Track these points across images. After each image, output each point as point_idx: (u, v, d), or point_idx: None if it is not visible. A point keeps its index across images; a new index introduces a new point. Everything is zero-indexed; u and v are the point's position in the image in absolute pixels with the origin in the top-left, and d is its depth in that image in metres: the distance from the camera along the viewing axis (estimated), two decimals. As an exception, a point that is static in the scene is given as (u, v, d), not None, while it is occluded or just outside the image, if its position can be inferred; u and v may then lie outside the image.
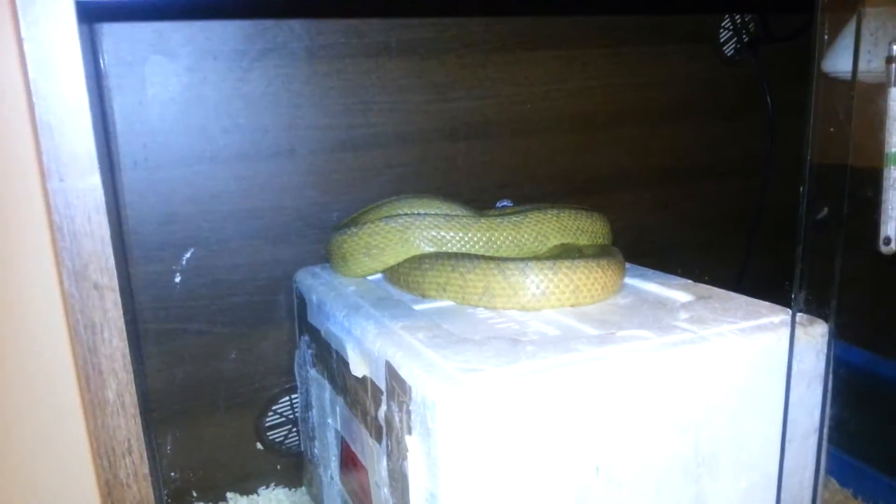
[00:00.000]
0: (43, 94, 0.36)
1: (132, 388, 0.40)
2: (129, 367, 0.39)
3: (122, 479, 0.40)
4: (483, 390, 0.53)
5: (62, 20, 0.36)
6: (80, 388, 0.38)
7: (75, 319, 0.38)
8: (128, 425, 0.40)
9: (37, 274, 0.51)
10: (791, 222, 0.60)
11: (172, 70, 0.86)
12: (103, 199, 0.38)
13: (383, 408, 0.63)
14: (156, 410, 0.89)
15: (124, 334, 0.39)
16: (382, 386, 0.62)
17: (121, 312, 0.39)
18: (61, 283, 0.37)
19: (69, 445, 0.54)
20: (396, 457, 0.60)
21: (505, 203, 1.01)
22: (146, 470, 0.41)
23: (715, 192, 1.21)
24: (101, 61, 0.82)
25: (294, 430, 1.00)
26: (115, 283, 0.38)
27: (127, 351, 0.39)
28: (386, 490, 0.63)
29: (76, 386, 0.52)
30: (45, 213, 0.48)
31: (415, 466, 0.56)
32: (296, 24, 0.90)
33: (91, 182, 0.37)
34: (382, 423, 0.63)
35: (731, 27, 1.16)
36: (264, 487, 0.99)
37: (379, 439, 0.64)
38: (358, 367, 0.68)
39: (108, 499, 0.40)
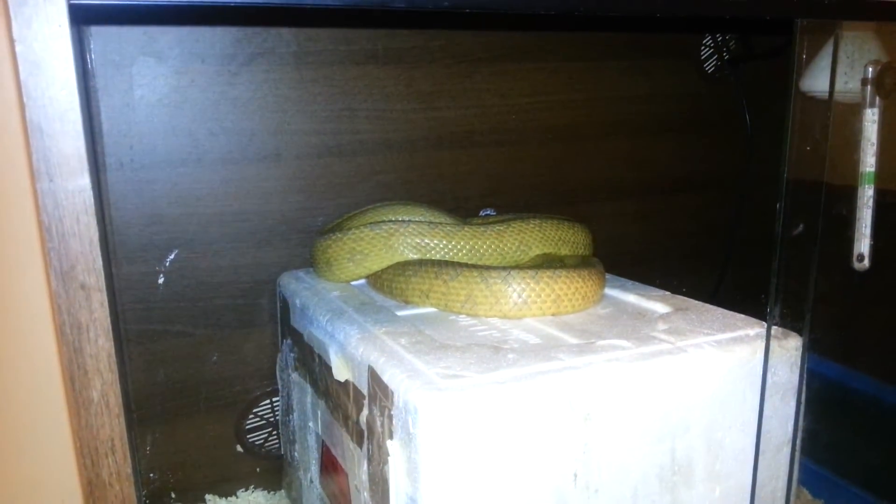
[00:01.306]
0: (34, 96, 0.37)
1: (117, 388, 0.40)
2: (115, 368, 0.39)
3: (104, 479, 0.40)
4: (464, 396, 0.54)
5: (55, 22, 0.37)
6: (66, 388, 0.38)
7: (62, 319, 0.38)
8: (111, 425, 0.40)
9: (25, 274, 0.51)
10: (767, 236, 0.62)
11: (160, 72, 0.86)
12: (92, 200, 0.38)
13: (365, 412, 0.63)
14: (136, 411, 0.89)
15: (110, 335, 0.39)
16: (365, 391, 0.63)
17: (107, 313, 0.39)
18: (49, 283, 0.37)
19: (53, 444, 0.54)
20: (377, 461, 0.60)
21: (488, 212, 1.02)
22: (129, 470, 0.41)
23: (693, 205, 1.23)
24: (89, 61, 0.82)
25: (274, 433, 1.00)
26: (102, 283, 0.39)
27: (112, 351, 0.39)
28: (366, 494, 0.64)
29: (61, 385, 0.52)
30: (34, 213, 0.48)
31: (395, 471, 0.57)
32: (284, 30, 0.90)
33: (80, 183, 0.38)
34: (364, 427, 0.63)
35: (712, 44, 1.18)
36: (243, 490, 0.99)
37: (360, 443, 0.65)
38: (340, 372, 0.68)
39: (90, 498, 0.40)
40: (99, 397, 0.39)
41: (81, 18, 0.35)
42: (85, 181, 0.37)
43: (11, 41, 0.35)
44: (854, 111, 0.78)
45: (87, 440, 0.39)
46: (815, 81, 0.74)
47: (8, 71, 0.49)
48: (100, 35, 0.83)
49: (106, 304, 0.39)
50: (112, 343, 0.39)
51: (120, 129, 0.85)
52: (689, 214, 1.23)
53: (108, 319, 0.39)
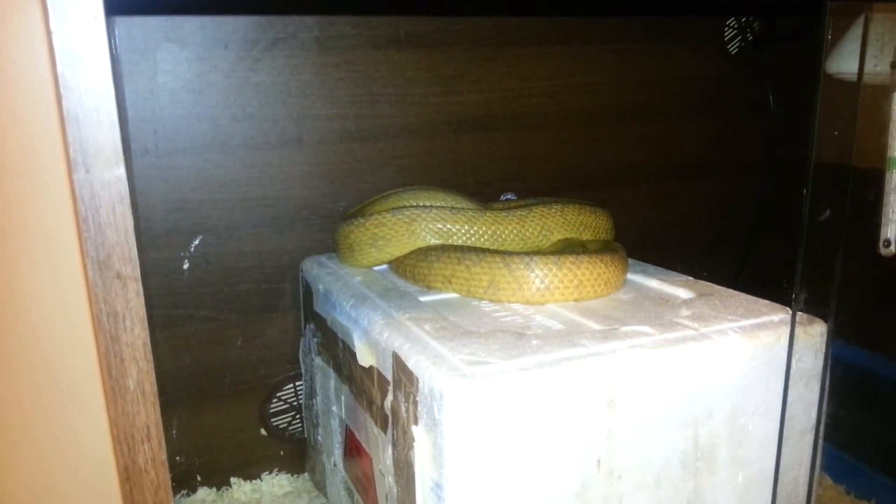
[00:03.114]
0: (71, 87, 0.37)
1: (152, 376, 0.41)
2: (150, 356, 0.40)
3: (140, 465, 0.41)
4: (489, 383, 0.54)
5: (90, 13, 0.37)
6: (102, 376, 0.39)
7: (98, 308, 0.39)
8: (147, 412, 0.41)
9: (61, 263, 0.52)
10: (790, 220, 0.61)
11: (184, 57, 0.86)
12: (127, 190, 0.39)
13: (389, 398, 0.64)
14: (162, 395, 0.90)
15: (146, 323, 0.40)
16: (389, 376, 0.64)
17: (142, 301, 0.40)
18: (85, 272, 0.38)
19: (90, 431, 0.55)
20: (402, 446, 0.61)
21: (509, 196, 1.02)
22: (164, 456, 0.42)
23: (716, 189, 1.22)
24: (114, 47, 0.82)
25: (298, 416, 1.01)
26: (137, 272, 0.39)
27: (148, 339, 0.40)
28: (390, 478, 0.65)
29: (98, 373, 0.53)
30: (71, 203, 0.49)
31: (420, 456, 0.57)
32: (306, 16, 0.90)
33: (116, 173, 0.38)
34: (388, 412, 0.64)
35: (735, 26, 1.17)
36: (267, 473, 1.01)
37: (384, 429, 0.65)
38: (365, 357, 0.69)
39: (126, 484, 0.41)
40: (135, 385, 0.40)
41: (116, 9, 0.36)
42: (120, 171, 0.38)
43: (49, 33, 0.36)
44: (883, 94, 0.77)
45: (123, 427, 0.40)
46: (844, 64, 0.73)
47: (45, 62, 0.49)
48: (124, 22, 0.83)
49: (141, 292, 0.39)
50: (147, 332, 0.40)
51: (144, 116, 0.86)
52: (711, 198, 1.22)
53: (144, 308, 0.40)
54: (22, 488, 0.56)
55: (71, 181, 0.37)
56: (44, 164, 0.50)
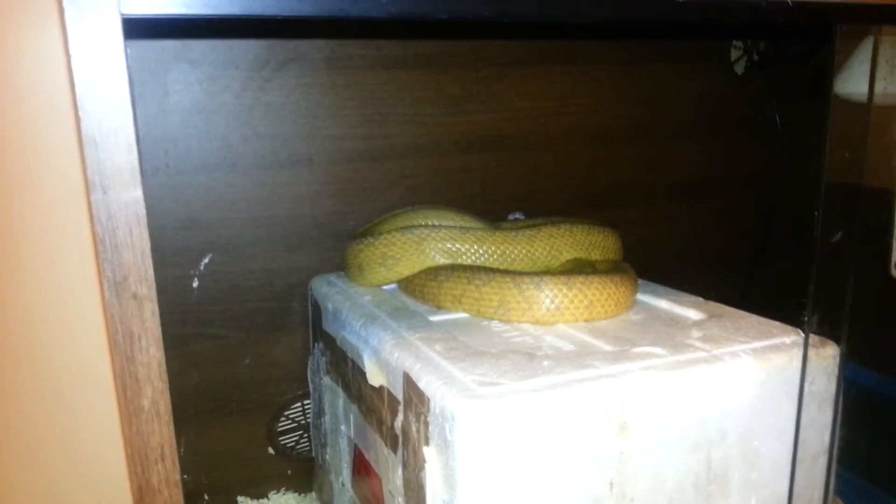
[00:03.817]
0: (89, 110, 0.38)
1: (167, 396, 0.41)
2: (165, 376, 0.40)
3: (154, 485, 0.41)
4: (502, 404, 0.54)
5: (109, 37, 0.38)
6: (118, 396, 0.39)
7: (114, 329, 0.39)
8: (161, 432, 0.41)
9: (78, 283, 0.52)
10: (796, 240, 0.62)
11: (195, 78, 0.87)
12: (144, 211, 0.39)
13: (400, 418, 0.64)
14: (170, 413, 0.90)
15: (161, 343, 0.40)
16: (400, 396, 0.63)
17: (158, 322, 0.40)
18: (102, 293, 0.38)
19: (105, 451, 0.55)
20: (413, 467, 0.61)
21: (517, 216, 1.02)
22: (177, 476, 0.42)
23: (722, 209, 1.22)
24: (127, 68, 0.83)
25: (305, 435, 1.01)
26: (153, 293, 0.39)
27: (163, 360, 0.40)
28: (401, 499, 0.64)
29: (113, 393, 0.53)
30: (88, 224, 0.50)
31: (432, 477, 0.57)
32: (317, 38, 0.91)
33: (133, 195, 0.39)
34: (399, 433, 0.64)
35: (741, 47, 1.17)
36: (275, 492, 1.00)
37: (395, 449, 0.65)
38: (375, 377, 0.69)
39: (140, 503, 0.41)
40: (150, 405, 0.40)
41: (133, 33, 0.36)
42: (137, 193, 0.38)
43: (68, 56, 0.36)
44: (893, 115, 0.77)
45: (137, 447, 0.40)
46: (852, 85, 0.73)
47: (64, 86, 0.50)
48: (135, 42, 0.84)
49: (157, 313, 0.39)
50: (162, 352, 0.40)
51: (155, 135, 0.87)
52: (717, 217, 1.22)
53: (159, 329, 0.40)
54: (36, 505, 0.56)
55: (88, 203, 0.37)
56: (62, 185, 0.51)
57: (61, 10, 0.35)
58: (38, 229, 0.51)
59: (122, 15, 0.37)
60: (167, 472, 0.41)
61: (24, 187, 0.51)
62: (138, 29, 0.80)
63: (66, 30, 0.36)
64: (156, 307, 0.40)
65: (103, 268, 0.38)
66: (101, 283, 0.37)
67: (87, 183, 0.37)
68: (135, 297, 0.39)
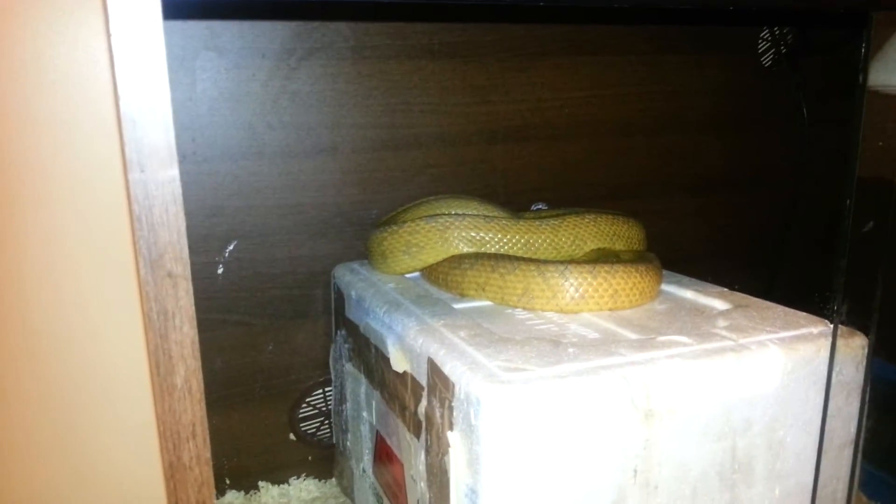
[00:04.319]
0: (128, 88, 0.38)
1: (199, 374, 0.41)
2: (198, 354, 0.41)
3: (185, 462, 0.42)
4: (527, 389, 0.54)
5: (148, 17, 0.38)
6: (151, 373, 0.39)
7: (149, 307, 0.39)
8: (193, 410, 0.42)
9: (113, 261, 0.53)
10: (822, 235, 0.61)
11: (222, 66, 0.88)
12: (180, 191, 0.40)
13: (423, 403, 0.64)
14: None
15: (194, 322, 0.41)
16: (423, 382, 0.64)
17: (192, 301, 0.40)
18: (137, 270, 0.38)
19: (136, 427, 0.56)
20: (436, 452, 0.61)
21: (540, 206, 1.02)
22: (208, 454, 0.42)
23: (747, 202, 1.21)
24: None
25: (326, 422, 1.01)
26: (188, 272, 0.40)
27: (196, 338, 0.41)
28: (423, 484, 0.65)
29: (147, 370, 0.54)
30: (125, 202, 0.50)
31: (456, 462, 0.57)
32: (342, 25, 0.91)
33: (170, 174, 0.39)
34: (422, 418, 0.64)
35: (769, 38, 1.16)
36: (295, 478, 1.01)
37: (417, 434, 0.66)
38: (399, 363, 0.69)
39: (171, 480, 0.41)
40: (182, 383, 0.41)
41: (170, 13, 0.36)
42: (174, 172, 0.39)
43: (108, 35, 0.36)
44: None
45: (169, 424, 0.41)
46: (884, 75, 0.72)
47: (104, 64, 0.51)
48: (165, 29, 0.84)
49: (191, 291, 0.40)
50: (195, 331, 0.40)
51: (183, 123, 0.87)
52: (742, 211, 1.21)
53: (193, 307, 0.40)
54: (68, 480, 0.57)
55: (126, 181, 0.38)
56: (100, 164, 0.51)
57: (102, -10, 0.35)
58: (75, 208, 0.52)
59: (161, -6, 0.37)
60: (198, 450, 0.42)
61: (61, 167, 0.52)
62: (174, 8, 0.81)
63: (106, 9, 0.37)
64: (190, 286, 0.40)
65: (139, 246, 0.39)
66: (136, 261, 0.38)
67: (125, 161, 0.38)
68: (170, 275, 0.39)
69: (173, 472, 0.42)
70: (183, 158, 0.88)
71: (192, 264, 0.89)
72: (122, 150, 0.37)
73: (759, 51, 1.17)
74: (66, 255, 0.54)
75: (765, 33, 1.16)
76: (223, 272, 0.92)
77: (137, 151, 0.38)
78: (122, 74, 0.37)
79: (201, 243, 0.90)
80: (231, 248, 0.91)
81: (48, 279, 0.52)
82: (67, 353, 0.57)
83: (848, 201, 0.60)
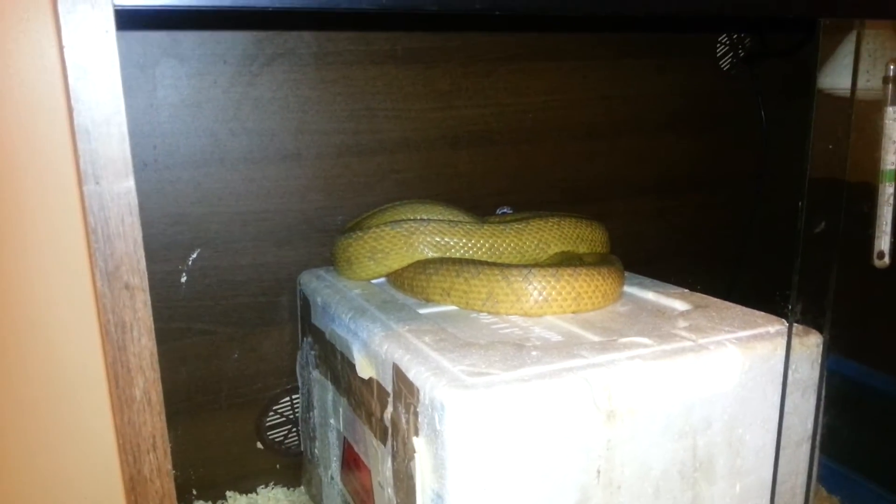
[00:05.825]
0: (82, 100, 0.38)
1: (159, 386, 0.41)
2: (156, 366, 0.40)
3: (145, 475, 0.41)
4: (491, 393, 0.54)
5: (101, 28, 0.38)
6: (109, 385, 0.39)
7: (107, 319, 0.39)
8: (153, 422, 0.41)
9: (70, 274, 0.52)
10: (781, 234, 0.62)
11: (183, 73, 0.87)
12: (136, 202, 0.39)
13: (389, 409, 0.64)
14: (158, 408, 0.90)
15: (153, 333, 0.40)
16: (389, 388, 0.64)
17: (150, 312, 0.40)
18: (94, 283, 0.38)
19: (96, 441, 0.55)
20: (402, 457, 0.61)
21: (505, 210, 1.03)
22: (169, 466, 0.42)
23: (708, 203, 1.23)
24: (113, 63, 0.83)
25: (294, 430, 1.01)
26: (145, 283, 0.40)
27: (155, 350, 0.40)
28: (390, 490, 0.65)
29: (105, 383, 0.53)
30: (80, 215, 0.50)
31: (421, 467, 0.57)
32: (305, 32, 0.91)
33: (125, 185, 0.39)
34: (388, 424, 0.64)
35: (727, 42, 1.19)
36: (263, 486, 1.01)
37: (384, 440, 0.66)
38: (364, 369, 0.69)
39: (131, 494, 0.41)
40: (141, 395, 0.40)
41: (125, 24, 0.36)
42: (130, 183, 0.38)
43: (61, 47, 0.36)
44: (875, 109, 0.78)
45: (129, 437, 0.40)
46: (836, 79, 0.74)
47: (57, 75, 0.50)
48: (124, 37, 0.84)
49: (149, 303, 0.40)
50: (154, 342, 0.40)
51: (143, 130, 0.86)
52: (703, 212, 1.23)
53: (151, 319, 0.40)
54: (28, 495, 0.56)
55: (81, 193, 0.37)
56: (54, 175, 0.51)
57: (54, 1, 0.35)
58: (31, 219, 0.51)
59: (114, 6, 0.37)
60: (159, 462, 0.42)
61: (16, 179, 0.51)
62: (129, 20, 0.80)
63: (59, 20, 0.37)
64: (147, 297, 0.40)
65: (96, 258, 0.38)
66: (93, 274, 0.37)
67: (80, 173, 0.38)
68: (127, 287, 0.39)
69: (134, 485, 0.41)
70: (144, 166, 0.87)
71: (155, 273, 0.89)
72: (77, 162, 0.37)
73: (718, 55, 1.19)
74: (22, 267, 0.53)
75: (723, 38, 1.18)
76: (187, 280, 0.91)
77: (92, 163, 0.37)
78: (76, 86, 0.37)
79: (164, 252, 0.89)
80: (195, 255, 0.91)
81: (3, 292, 0.52)
82: (25, 368, 0.56)
83: (800, 202, 0.61)
